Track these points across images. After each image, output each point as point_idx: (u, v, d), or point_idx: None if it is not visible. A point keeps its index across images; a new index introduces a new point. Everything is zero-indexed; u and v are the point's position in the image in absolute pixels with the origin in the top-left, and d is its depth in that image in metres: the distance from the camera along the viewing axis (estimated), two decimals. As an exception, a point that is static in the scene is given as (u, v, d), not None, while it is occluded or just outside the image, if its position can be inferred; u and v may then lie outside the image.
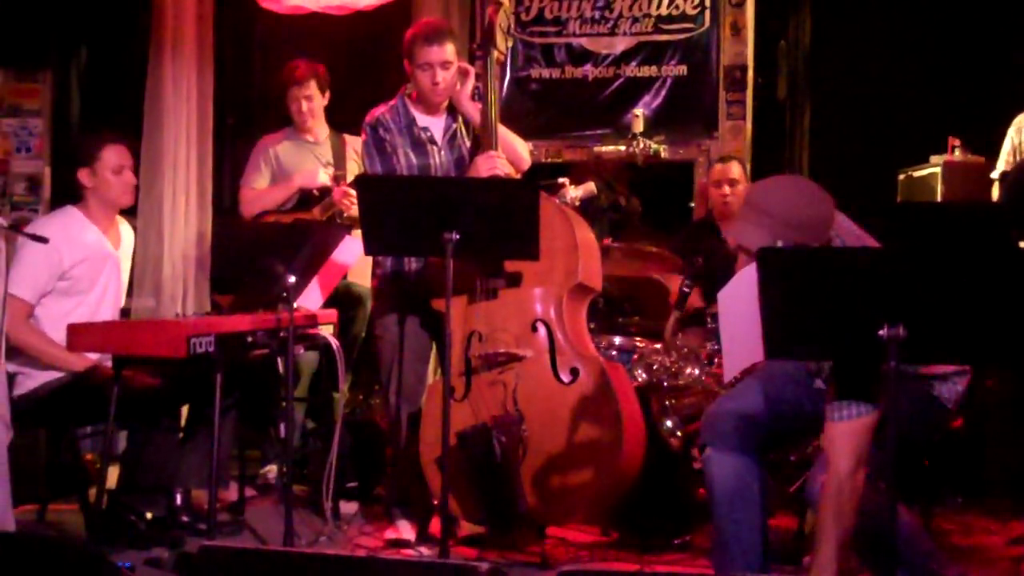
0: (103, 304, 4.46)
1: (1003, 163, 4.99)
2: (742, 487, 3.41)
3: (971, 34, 6.28)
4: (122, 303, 4.64)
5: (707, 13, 6.51)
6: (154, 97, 5.93)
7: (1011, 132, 5.03)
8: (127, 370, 4.11)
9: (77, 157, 4.50)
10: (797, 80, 6.83)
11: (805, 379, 3.40)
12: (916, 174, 5.70)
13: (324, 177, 5.33)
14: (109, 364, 4.21)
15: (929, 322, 2.63)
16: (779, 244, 3.01)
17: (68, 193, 4.55)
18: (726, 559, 3.43)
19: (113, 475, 4.38)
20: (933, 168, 5.66)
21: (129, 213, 4.95)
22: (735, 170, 5.52)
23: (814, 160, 6.74)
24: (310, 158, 5.45)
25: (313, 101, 5.43)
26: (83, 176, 4.44)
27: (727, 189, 5.48)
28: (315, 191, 5.34)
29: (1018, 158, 4.97)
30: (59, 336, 4.19)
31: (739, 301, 3.14)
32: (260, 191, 5.41)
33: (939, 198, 5.45)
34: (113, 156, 4.45)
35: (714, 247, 5.45)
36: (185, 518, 4.34)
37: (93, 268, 4.41)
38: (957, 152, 5.19)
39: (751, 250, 3.07)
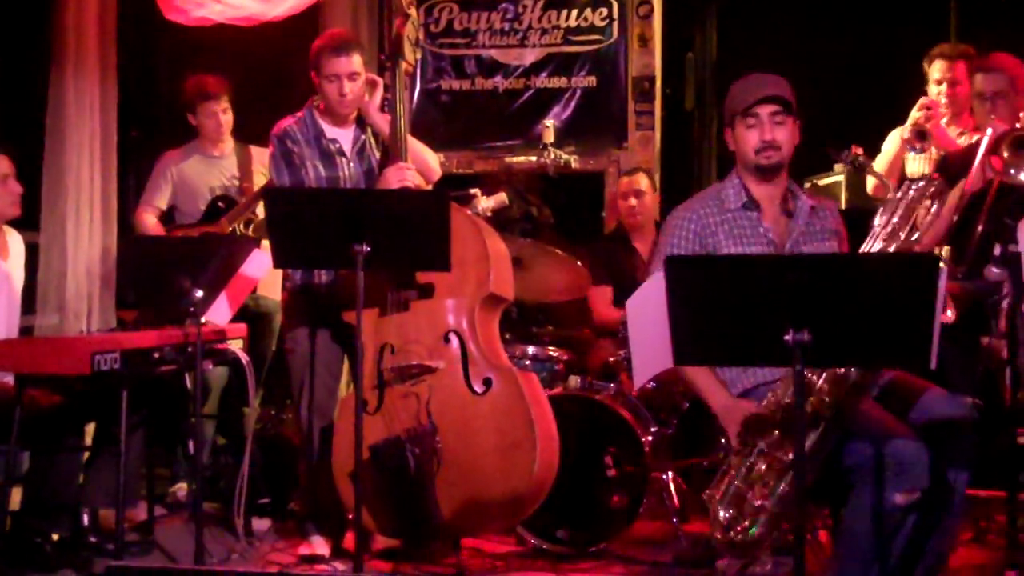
0: None
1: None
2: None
3: (874, 44, 6.43)
4: (17, 316, 4.51)
5: (615, 25, 6.58)
6: (56, 111, 5.81)
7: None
8: (30, 388, 4.02)
9: None
10: (704, 91, 6.93)
11: None
12: (821, 182, 5.81)
13: None
14: (10, 381, 4.10)
15: (834, 327, 2.68)
16: None
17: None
18: None
19: (17, 496, 4.27)
20: (837, 176, 5.77)
21: (32, 228, 4.85)
22: (642, 182, 5.57)
23: (722, 169, 6.83)
24: (216, 172, 5.41)
25: (228, 114, 5.40)
26: None
27: (634, 201, 5.53)
28: (220, 204, 5.29)
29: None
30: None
31: (647, 309, 3.17)
32: (153, 228, 5.37)
33: (843, 206, 5.56)
34: None
35: (625, 258, 5.50)
36: (93, 539, 4.25)
37: None
38: (861, 160, 5.30)
39: None
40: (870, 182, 5.07)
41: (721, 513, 3.19)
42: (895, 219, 3.27)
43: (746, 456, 3.19)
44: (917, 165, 5.19)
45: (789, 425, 3.07)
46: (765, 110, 3.50)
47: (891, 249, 3.22)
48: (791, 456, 3.06)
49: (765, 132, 3.51)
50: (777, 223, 3.58)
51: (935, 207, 3.30)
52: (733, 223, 3.56)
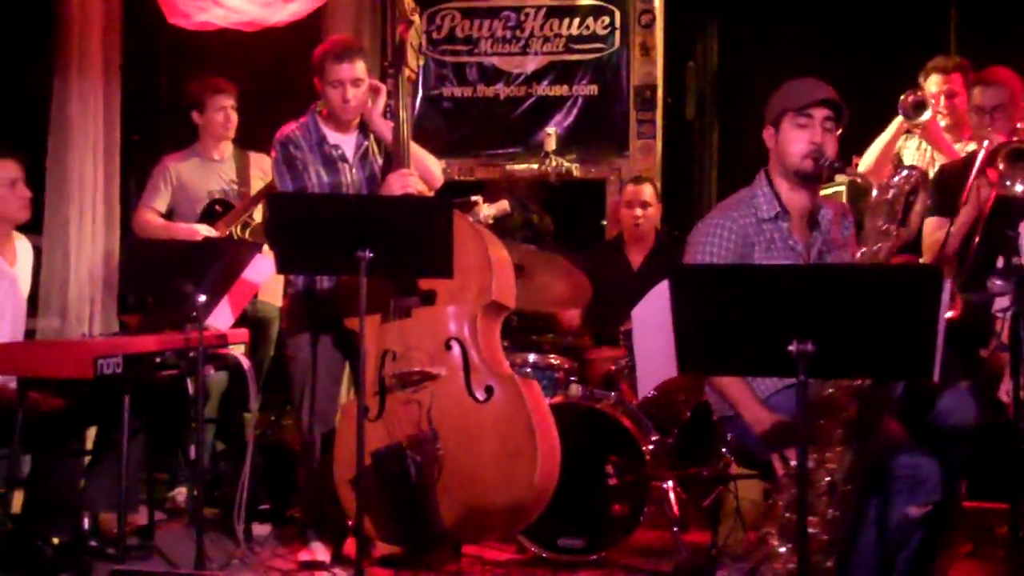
0: (1, 324, 4.35)
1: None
2: None
3: (875, 53, 6.45)
4: (22, 321, 4.52)
5: (617, 33, 6.59)
6: (59, 114, 5.82)
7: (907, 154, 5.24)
8: (32, 392, 4.01)
9: None
10: (705, 100, 6.94)
11: None
12: (823, 192, 5.80)
13: (206, 232, 5.26)
14: (12, 386, 4.10)
15: (837, 338, 2.68)
16: None
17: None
18: None
19: (18, 500, 4.27)
20: (839, 187, 5.77)
21: (34, 232, 4.85)
22: (647, 192, 5.57)
23: (722, 178, 6.86)
24: (214, 176, 5.41)
25: (235, 113, 5.40)
26: None
27: (639, 211, 5.53)
28: (216, 207, 5.30)
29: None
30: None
31: (653, 318, 3.18)
32: (153, 222, 5.35)
33: (844, 216, 5.56)
34: (3, 171, 4.35)
35: (614, 267, 5.51)
36: (93, 543, 4.26)
37: None
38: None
39: None
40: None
41: (780, 548, 3.12)
42: (881, 220, 3.21)
43: (790, 486, 3.12)
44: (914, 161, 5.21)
45: (819, 442, 3.08)
46: (820, 113, 3.42)
47: (884, 248, 3.19)
48: (828, 479, 3.06)
49: (816, 135, 3.41)
50: (804, 234, 3.52)
51: (920, 196, 3.26)
52: (767, 235, 3.49)
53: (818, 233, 3.54)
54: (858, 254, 3.25)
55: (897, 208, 3.21)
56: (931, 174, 4.90)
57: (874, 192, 3.24)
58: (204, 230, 5.25)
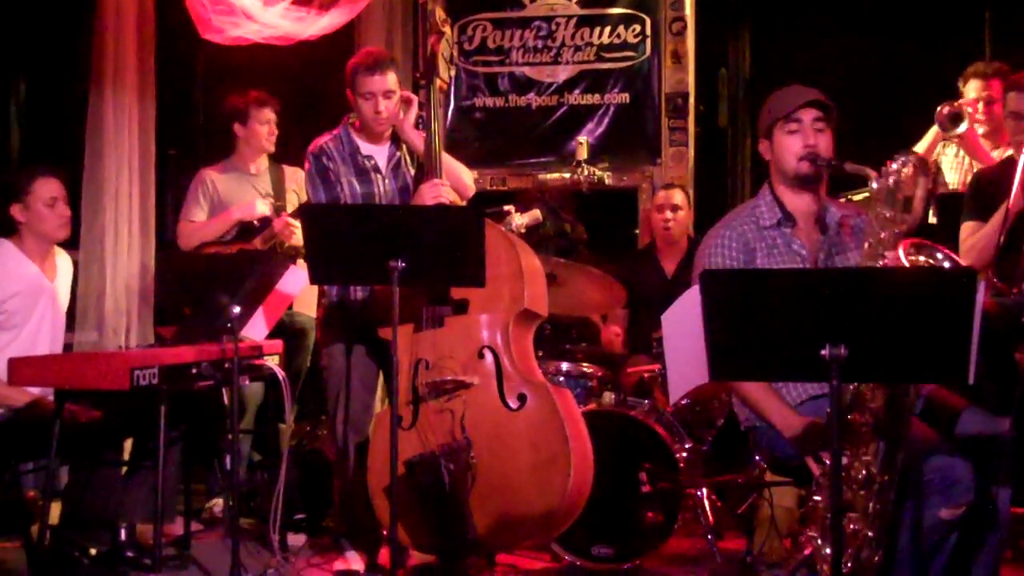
0: (39, 337, 4.40)
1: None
2: None
3: (909, 61, 6.42)
4: (61, 335, 4.57)
5: (648, 42, 6.59)
6: (95, 128, 5.87)
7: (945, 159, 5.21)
8: (69, 403, 4.05)
9: (8, 193, 4.44)
10: (738, 107, 6.93)
11: None
12: (856, 198, 5.78)
13: (263, 208, 5.31)
14: (51, 398, 4.15)
15: (870, 342, 2.66)
16: None
17: (7, 227, 4.48)
18: None
19: (56, 511, 4.31)
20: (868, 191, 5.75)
21: (71, 246, 4.90)
22: (678, 197, 5.59)
23: (756, 185, 6.81)
24: (249, 189, 5.45)
25: (275, 126, 5.45)
26: (15, 211, 4.40)
27: (669, 215, 5.54)
28: (255, 221, 5.33)
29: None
30: (-4, 372, 4.13)
31: (683, 324, 3.16)
32: (198, 224, 5.39)
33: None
34: (45, 188, 4.40)
35: (649, 276, 5.50)
36: (130, 553, 4.27)
37: (28, 301, 4.36)
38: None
39: None
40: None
41: (826, 550, 3.08)
42: (884, 208, 3.18)
43: (829, 486, 3.12)
44: (953, 175, 5.19)
45: (851, 436, 3.05)
46: (808, 115, 3.45)
47: (888, 235, 3.16)
48: (864, 473, 3.04)
49: (808, 137, 3.44)
50: (811, 238, 3.53)
51: (921, 181, 3.21)
52: (769, 241, 3.52)
53: (826, 236, 3.54)
54: (865, 244, 3.23)
55: (899, 195, 3.19)
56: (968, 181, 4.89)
57: (873, 182, 3.21)
58: (262, 207, 5.28)
